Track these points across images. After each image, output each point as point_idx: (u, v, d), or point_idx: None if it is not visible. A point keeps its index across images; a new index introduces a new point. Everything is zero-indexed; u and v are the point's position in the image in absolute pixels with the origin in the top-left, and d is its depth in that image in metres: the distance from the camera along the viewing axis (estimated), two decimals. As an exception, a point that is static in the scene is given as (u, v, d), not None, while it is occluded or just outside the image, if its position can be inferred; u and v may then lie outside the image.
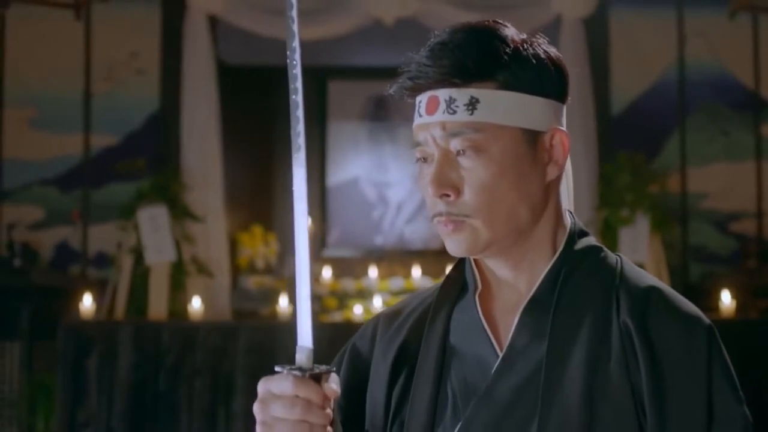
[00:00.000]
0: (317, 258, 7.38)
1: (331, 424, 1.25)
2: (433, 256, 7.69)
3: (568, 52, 6.05)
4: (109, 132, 6.47)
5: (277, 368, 1.27)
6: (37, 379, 5.55)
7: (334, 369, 1.27)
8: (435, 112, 1.36)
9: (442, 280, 1.54)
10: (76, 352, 5.14)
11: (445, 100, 1.35)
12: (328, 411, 1.24)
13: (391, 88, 1.42)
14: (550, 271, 1.40)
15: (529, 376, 1.35)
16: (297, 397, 1.23)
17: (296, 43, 1.21)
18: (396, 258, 8.01)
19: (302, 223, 1.30)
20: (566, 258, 1.41)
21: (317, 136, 8.53)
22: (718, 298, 5.30)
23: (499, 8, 6.23)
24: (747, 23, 6.47)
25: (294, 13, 1.21)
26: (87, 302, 5.32)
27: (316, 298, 6.07)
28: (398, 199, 8.77)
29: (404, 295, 6.13)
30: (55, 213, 6.47)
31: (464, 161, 1.35)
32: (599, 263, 1.42)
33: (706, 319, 1.36)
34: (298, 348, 1.27)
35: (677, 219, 6.34)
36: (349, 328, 4.23)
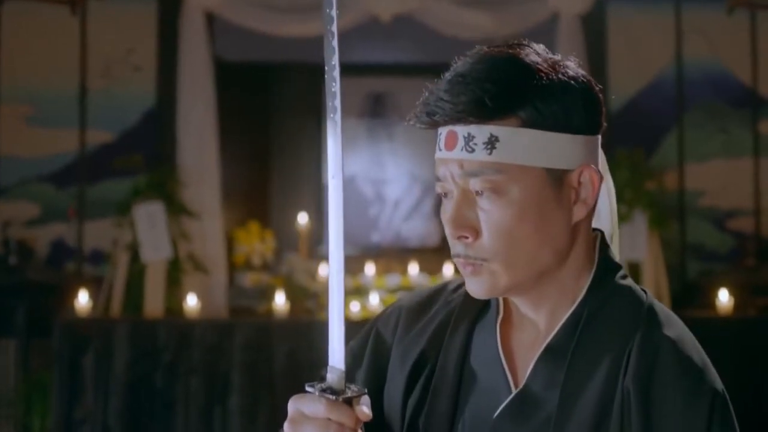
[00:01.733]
0: (314, 255, 7.37)
1: None
2: (430, 254, 7.68)
3: (565, 49, 6.01)
4: (105, 129, 6.45)
5: (308, 387, 1.24)
6: (33, 377, 5.54)
7: (366, 391, 1.24)
8: (453, 149, 1.29)
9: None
10: (72, 349, 5.12)
11: (464, 137, 1.28)
12: None
13: (409, 120, 1.34)
14: (570, 317, 1.34)
15: (537, 426, 1.32)
16: (329, 420, 1.21)
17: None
18: (393, 255, 8.00)
19: (338, 257, 1.28)
20: (589, 301, 1.35)
21: (314, 133, 8.52)
22: (715, 296, 5.30)
23: (496, 5, 6.22)
24: (745, 20, 6.46)
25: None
26: (83, 299, 5.31)
27: (313, 295, 6.05)
28: (395, 197, 8.77)
29: (401, 293, 6.10)
30: (51, 210, 6.45)
31: (483, 202, 1.29)
32: (622, 310, 1.35)
33: (713, 383, 1.28)
34: (329, 368, 1.23)
35: (675, 216, 6.33)
36: (347, 325, 4.22)
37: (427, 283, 6.29)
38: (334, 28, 1.19)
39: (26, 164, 6.45)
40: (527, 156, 1.27)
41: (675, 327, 1.34)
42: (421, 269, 6.87)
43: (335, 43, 1.19)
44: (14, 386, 5.56)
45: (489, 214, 1.29)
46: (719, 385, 1.28)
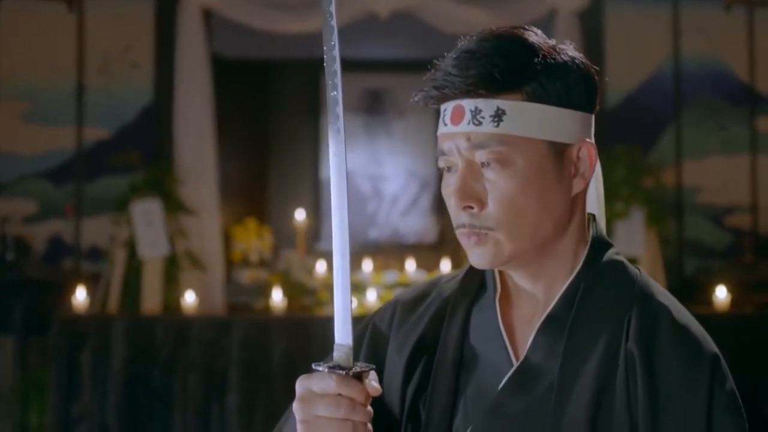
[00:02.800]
0: (311, 252, 7.37)
1: None
2: (427, 250, 7.69)
3: (563, 45, 6.03)
4: (102, 125, 6.44)
5: (315, 366, 1.25)
6: (31, 374, 5.54)
7: (374, 367, 1.27)
8: (460, 123, 1.34)
9: (460, 271, 1.52)
10: (69, 346, 5.12)
11: (471, 111, 1.33)
12: (369, 408, 1.24)
13: (416, 96, 1.39)
14: (568, 288, 1.39)
15: (540, 396, 1.34)
16: (341, 395, 1.22)
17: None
18: (390, 251, 8.00)
19: (343, 238, 1.26)
20: (585, 275, 1.39)
21: (311, 129, 8.52)
22: (713, 292, 5.30)
23: (494, 1, 6.22)
24: (743, 16, 6.46)
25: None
26: (80, 296, 5.30)
27: (310, 292, 6.05)
28: (393, 193, 8.77)
29: (398, 289, 6.11)
30: (48, 207, 6.44)
31: (489, 173, 1.33)
32: (618, 282, 1.40)
33: (712, 347, 1.33)
34: (336, 346, 1.25)
35: (673, 213, 6.34)
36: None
37: (425, 279, 6.29)
38: (335, 39, 1.24)
39: (24, 161, 6.44)
40: (532, 129, 1.32)
41: (670, 298, 1.39)
42: (419, 265, 6.88)
43: (336, 52, 1.23)
44: (12, 383, 5.56)
45: (494, 184, 1.33)
46: (716, 349, 1.33)
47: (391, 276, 6.47)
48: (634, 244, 5.60)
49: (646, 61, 6.51)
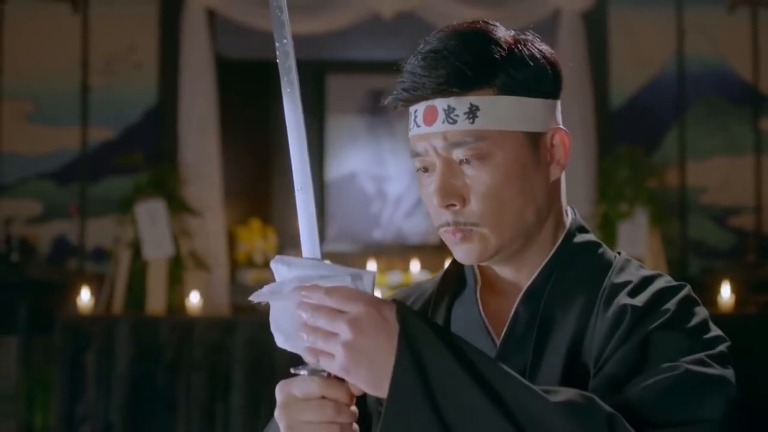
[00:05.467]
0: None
1: None
2: (431, 251, 7.68)
3: (566, 46, 6.04)
4: (106, 126, 6.46)
5: (295, 370, 1.22)
6: (35, 374, 5.54)
7: None
8: (434, 122, 1.34)
9: (439, 273, 1.53)
10: (73, 346, 5.13)
11: (444, 110, 1.33)
12: (354, 408, 1.22)
13: (386, 100, 1.40)
14: (546, 265, 1.40)
15: (523, 368, 1.35)
16: (324, 398, 1.20)
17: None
18: (394, 252, 8.00)
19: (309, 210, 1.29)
20: (563, 252, 1.41)
21: (315, 130, 8.52)
22: (717, 292, 5.30)
23: (498, 2, 6.22)
24: (746, 17, 6.46)
25: None
26: (84, 297, 5.31)
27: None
28: (397, 194, 8.77)
29: (401, 289, 6.10)
30: (53, 207, 6.46)
31: (468, 170, 1.34)
32: (595, 258, 1.41)
33: (678, 286, 1.34)
34: None
35: (676, 213, 6.34)
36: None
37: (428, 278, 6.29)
38: (287, 34, 1.21)
39: (28, 161, 6.46)
40: (507, 121, 1.33)
41: (651, 270, 1.40)
42: (423, 266, 6.88)
43: (285, 17, 1.21)
44: (16, 383, 5.57)
45: (475, 180, 1.34)
46: (685, 290, 1.34)
47: (395, 277, 6.48)
48: (638, 244, 5.61)
49: (649, 62, 6.52)
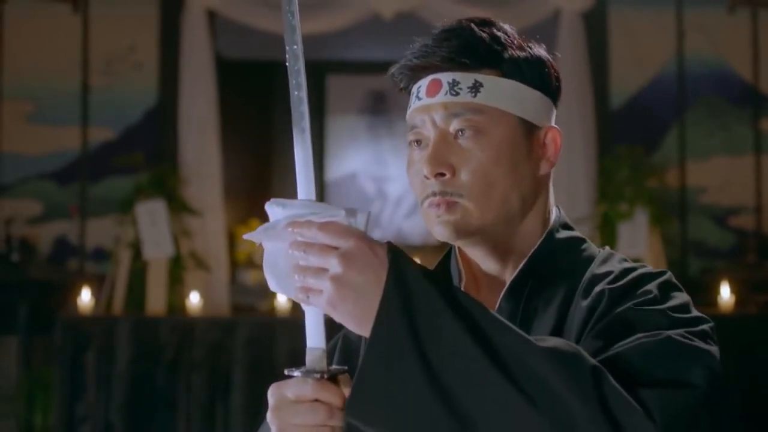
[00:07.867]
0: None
1: None
2: (431, 251, 7.67)
3: (566, 46, 6.04)
4: (107, 126, 6.46)
5: (288, 372, 1.21)
6: (35, 374, 5.55)
7: (347, 368, 1.23)
8: (437, 95, 1.37)
9: None
10: (73, 346, 5.13)
11: (448, 83, 1.36)
12: None
13: (393, 68, 1.42)
14: (529, 260, 1.40)
15: None
16: (317, 401, 1.19)
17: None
18: (394, 252, 7.99)
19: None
20: (546, 247, 1.42)
21: (316, 130, 8.52)
22: (717, 292, 5.30)
23: (498, 2, 6.22)
24: (746, 18, 6.46)
25: None
26: (85, 297, 5.31)
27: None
28: (397, 194, 8.77)
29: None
30: (53, 207, 6.46)
31: (463, 142, 1.36)
32: (578, 253, 1.43)
33: (658, 272, 1.34)
34: (308, 349, 1.21)
35: (676, 213, 6.34)
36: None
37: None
38: (298, 38, 1.20)
39: (28, 162, 6.46)
40: (507, 103, 1.37)
41: (634, 263, 1.40)
42: (423, 266, 6.87)
43: (299, 51, 1.20)
44: (16, 383, 5.58)
45: (468, 152, 1.35)
46: (665, 276, 1.34)
47: (395, 277, 6.47)
48: (638, 244, 5.60)
49: (649, 62, 6.52)
